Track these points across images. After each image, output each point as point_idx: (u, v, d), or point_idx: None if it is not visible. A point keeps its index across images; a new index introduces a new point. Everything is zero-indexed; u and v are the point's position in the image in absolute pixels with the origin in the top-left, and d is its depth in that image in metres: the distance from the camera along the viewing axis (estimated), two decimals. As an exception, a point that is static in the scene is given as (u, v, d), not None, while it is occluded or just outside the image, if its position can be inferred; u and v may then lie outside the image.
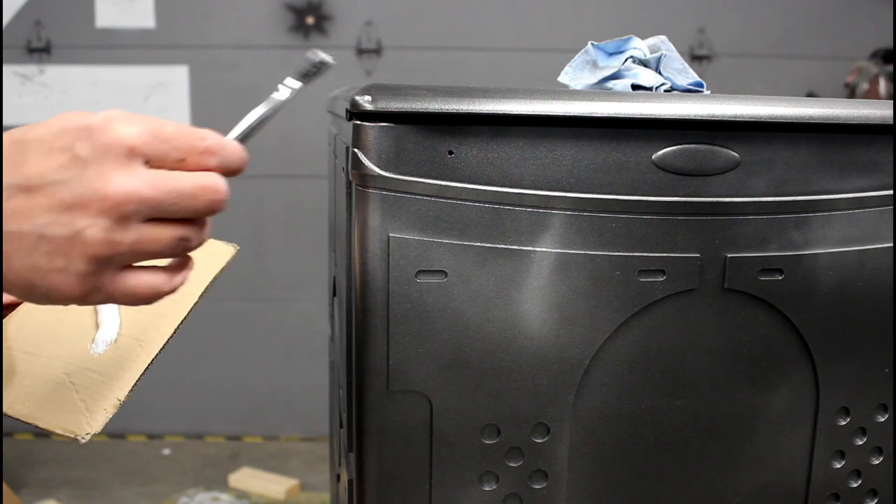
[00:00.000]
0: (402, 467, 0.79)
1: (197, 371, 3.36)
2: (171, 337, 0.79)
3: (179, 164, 0.54)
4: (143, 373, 0.76)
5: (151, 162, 0.52)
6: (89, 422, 0.73)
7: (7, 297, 0.83)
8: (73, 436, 0.73)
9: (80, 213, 0.51)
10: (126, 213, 0.51)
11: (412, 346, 0.76)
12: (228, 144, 0.56)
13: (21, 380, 0.75)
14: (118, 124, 0.51)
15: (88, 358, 0.77)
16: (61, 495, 2.95)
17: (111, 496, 2.98)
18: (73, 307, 0.80)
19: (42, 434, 3.38)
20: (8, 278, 0.52)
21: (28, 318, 0.81)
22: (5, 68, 3.23)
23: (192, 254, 0.71)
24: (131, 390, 0.74)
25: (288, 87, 0.63)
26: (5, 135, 0.52)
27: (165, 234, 0.54)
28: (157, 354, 0.77)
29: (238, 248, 0.83)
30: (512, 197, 0.75)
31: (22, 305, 0.83)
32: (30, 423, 0.74)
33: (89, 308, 0.81)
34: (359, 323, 0.77)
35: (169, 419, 3.44)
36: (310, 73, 0.64)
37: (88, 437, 0.72)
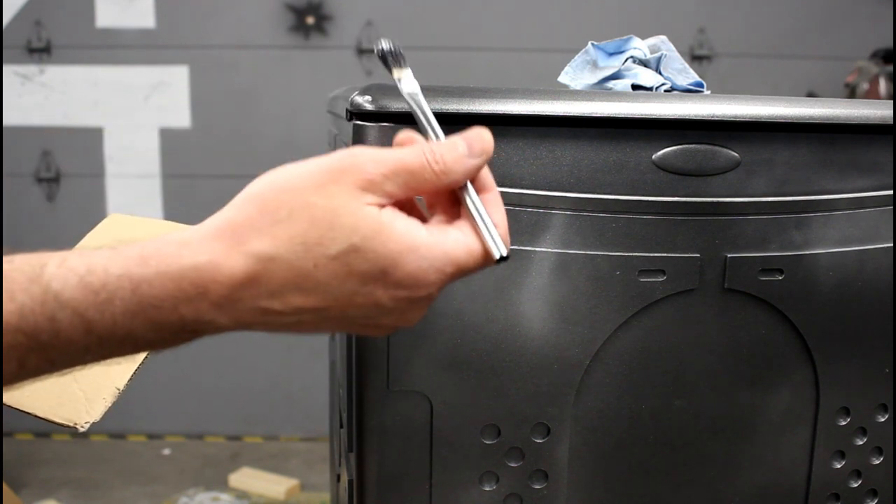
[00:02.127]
0: (402, 467, 0.79)
1: (197, 371, 3.35)
2: None
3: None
4: (143, 362, 0.76)
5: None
6: (88, 411, 0.73)
7: None
8: (72, 424, 0.73)
9: (374, 330, 0.53)
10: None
11: (412, 346, 0.76)
12: (457, 161, 0.53)
13: None
14: (430, 284, 0.50)
15: None
16: (61, 495, 2.95)
17: (111, 496, 2.98)
18: None
19: (42, 434, 3.38)
20: None
21: None
22: (5, 68, 3.22)
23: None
24: (130, 379, 0.74)
25: (405, 79, 0.61)
26: (280, 258, 0.49)
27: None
28: None
29: None
30: (512, 197, 0.75)
31: None
32: (29, 413, 0.74)
33: None
34: (359, 323, 0.77)
35: (169, 419, 3.44)
36: (388, 60, 0.62)
37: (87, 425, 0.72)
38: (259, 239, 0.48)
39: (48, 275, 0.46)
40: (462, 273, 0.52)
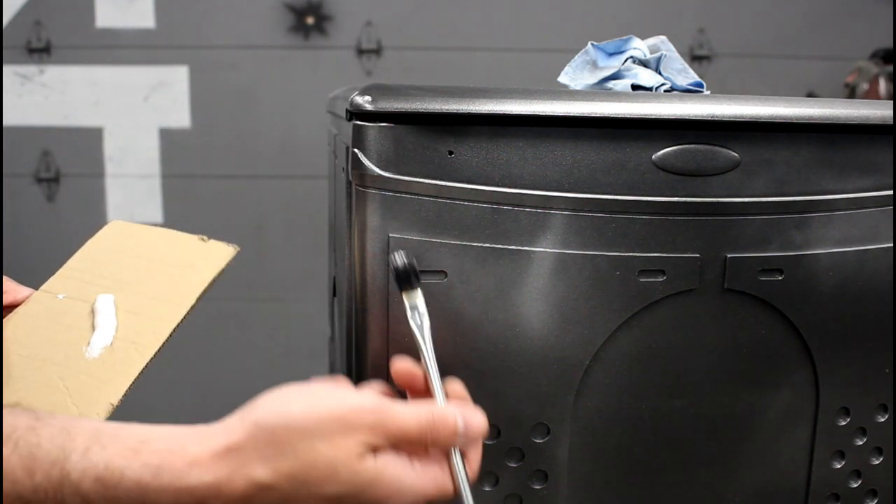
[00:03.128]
0: (402, 467, 0.79)
1: (197, 371, 3.35)
2: (166, 341, 0.79)
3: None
4: (138, 377, 0.76)
5: None
6: None
7: (6, 298, 0.82)
8: None
9: None
10: None
11: (412, 346, 0.76)
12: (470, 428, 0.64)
13: (15, 383, 0.74)
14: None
15: (83, 361, 0.76)
16: (61, 495, 2.95)
17: (111, 496, 2.98)
18: (71, 309, 0.80)
19: (42, 434, 3.38)
20: None
21: (25, 321, 0.81)
22: (5, 68, 3.22)
23: (188, 256, 0.75)
24: (125, 395, 0.74)
25: (415, 311, 0.68)
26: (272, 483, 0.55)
27: None
28: (152, 358, 0.77)
29: (238, 249, 0.83)
30: (512, 197, 0.75)
31: (19, 308, 0.83)
32: None
33: (86, 311, 0.81)
34: (359, 323, 0.77)
35: (169, 419, 3.44)
36: (401, 278, 0.67)
37: None
38: (262, 468, 0.54)
39: (71, 463, 0.52)
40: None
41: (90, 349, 0.77)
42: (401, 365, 0.66)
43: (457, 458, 0.63)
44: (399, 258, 0.66)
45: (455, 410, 0.62)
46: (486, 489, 0.80)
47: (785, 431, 0.85)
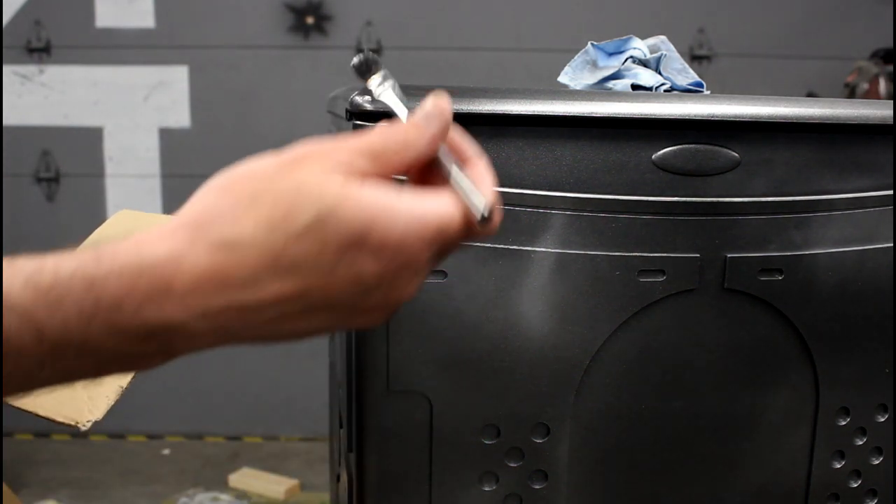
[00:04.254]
0: (402, 467, 0.79)
1: (197, 371, 3.35)
2: None
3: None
4: None
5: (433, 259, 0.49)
6: (91, 409, 0.72)
7: None
8: (73, 423, 0.72)
9: (365, 315, 0.48)
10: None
11: (412, 346, 0.76)
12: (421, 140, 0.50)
13: None
14: (413, 246, 0.46)
15: None
16: (61, 495, 2.95)
17: (111, 496, 2.98)
18: None
19: (42, 434, 3.38)
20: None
21: None
22: (5, 68, 3.22)
23: None
24: (133, 378, 0.74)
25: (381, 86, 0.57)
26: (250, 241, 0.44)
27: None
28: None
29: None
30: (512, 197, 0.75)
31: None
32: (31, 412, 0.74)
33: None
34: (359, 323, 0.77)
35: (169, 419, 3.44)
36: (361, 70, 0.61)
37: (90, 423, 0.72)
38: (221, 226, 0.44)
39: None
40: (445, 239, 0.48)
41: None
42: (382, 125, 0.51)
43: (444, 160, 0.50)
44: (357, 58, 0.62)
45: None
46: (486, 489, 0.80)
47: (785, 431, 0.85)
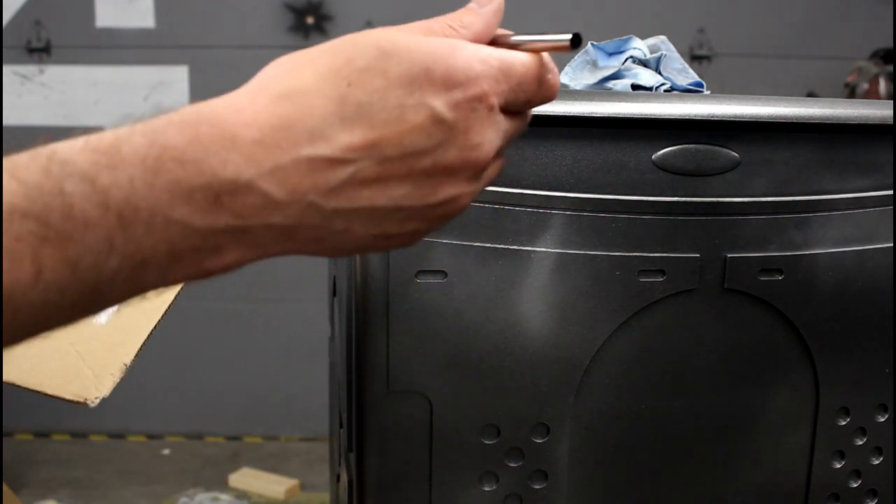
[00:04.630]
0: (402, 467, 0.79)
1: (197, 371, 3.36)
2: (172, 303, 0.79)
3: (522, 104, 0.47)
4: (147, 338, 0.76)
5: (503, 108, 0.46)
6: (97, 386, 0.73)
7: None
8: (82, 400, 0.73)
9: (448, 181, 0.44)
10: (488, 170, 0.46)
11: (412, 346, 0.76)
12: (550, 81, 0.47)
13: (26, 350, 0.75)
14: (480, 78, 0.43)
15: (92, 327, 0.77)
16: (61, 495, 2.95)
17: (111, 496, 2.98)
18: None
19: (42, 434, 3.38)
20: (322, 247, 0.44)
21: None
22: (5, 68, 3.22)
23: None
24: (136, 355, 0.74)
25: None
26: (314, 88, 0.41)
27: (500, 163, 0.49)
28: (159, 320, 0.78)
29: None
30: (512, 197, 0.75)
31: None
32: (38, 391, 0.74)
33: None
34: (359, 323, 0.77)
35: (169, 419, 3.44)
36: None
37: (97, 400, 0.72)
38: (281, 80, 0.42)
39: (51, 147, 0.38)
40: (514, 78, 0.45)
41: (97, 316, 0.77)
42: None
43: (510, 34, 0.48)
44: None
45: None
46: (486, 489, 0.80)
47: (785, 431, 0.85)
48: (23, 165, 0.38)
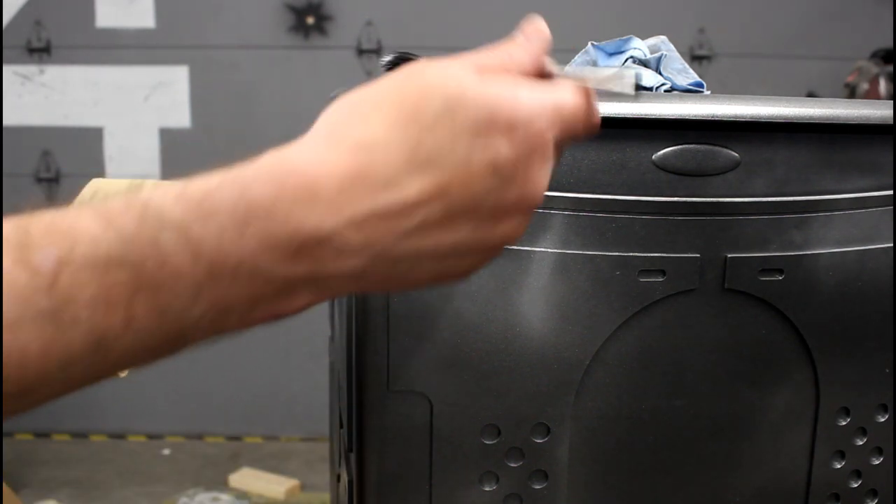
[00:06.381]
0: (402, 467, 0.79)
1: (197, 371, 3.36)
2: None
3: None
4: None
5: (555, 144, 0.48)
6: None
7: None
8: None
9: (507, 218, 0.46)
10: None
11: (412, 346, 0.76)
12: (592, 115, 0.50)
13: None
14: (539, 119, 0.45)
15: None
16: (61, 495, 2.95)
17: (111, 496, 2.98)
18: None
19: (42, 434, 3.38)
20: (383, 285, 0.47)
21: None
22: (5, 68, 3.22)
23: None
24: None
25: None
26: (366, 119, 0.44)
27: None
28: None
29: None
30: (512, 197, 0.75)
31: None
32: None
33: None
34: (359, 323, 0.77)
35: (169, 419, 3.44)
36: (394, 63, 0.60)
37: (125, 373, 0.72)
38: (356, 130, 0.44)
39: (145, 196, 0.40)
40: (565, 118, 0.47)
41: None
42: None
43: (557, 67, 0.50)
44: (388, 56, 0.61)
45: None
46: (486, 489, 0.80)
47: (785, 431, 0.85)
48: (118, 213, 0.39)
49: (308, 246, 0.42)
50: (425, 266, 0.46)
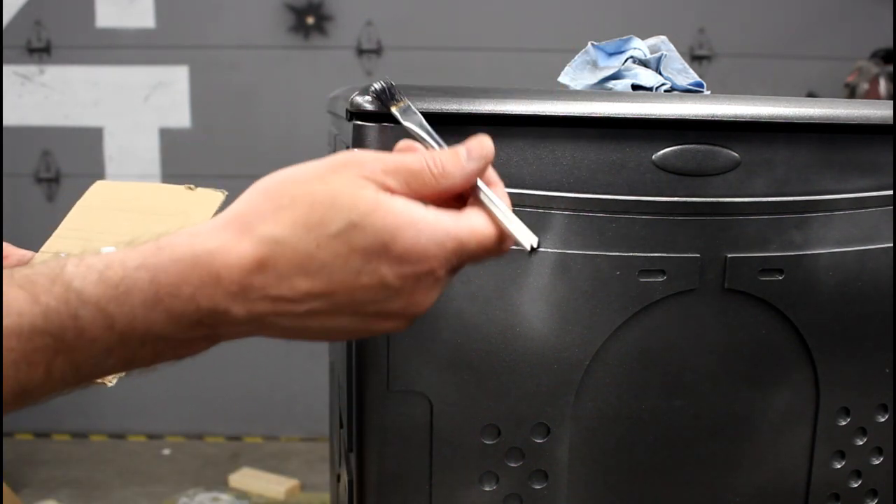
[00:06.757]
0: (402, 467, 0.79)
1: (197, 371, 3.35)
2: None
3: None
4: None
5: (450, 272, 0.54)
6: None
7: (9, 262, 0.82)
8: (99, 381, 0.73)
9: (388, 321, 0.53)
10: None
11: (412, 346, 0.76)
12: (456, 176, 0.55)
13: None
14: (431, 259, 0.51)
15: None
16: (61, 495, 2.95)
17: (111, 496, 2.98)
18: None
19: (42, 434, 3.38)
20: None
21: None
22: (5, 68, 3.22)
23: (179, 205, 0.76)
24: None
25: (402, 109, 0.62)
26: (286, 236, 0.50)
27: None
28: None
29: (227, 193, 0.82)
30: (512, 197, 0.74)
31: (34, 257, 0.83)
32: None
33: None
34: (359, 323, 0.77)
35: (169, 419, 3.44)
36: (384, 100, 0.63)
37: (115, 380, 0.72)
38: (264, 224, 0.50)
39: (68, 274, 0.47)
40: (466, 253, 0.52)
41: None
42: (404, 143, 0.57)
43: (484, 190, 0.54)
44: (378, 84, 0.63)
45: (455, 146, 0.55)
46: (486, 489, 0.80)
47: (785, 431, 0.85)
48: (42, 290, 0.47)
49: (207, 318, 0.49)
50: (317, 335, 0.53)
